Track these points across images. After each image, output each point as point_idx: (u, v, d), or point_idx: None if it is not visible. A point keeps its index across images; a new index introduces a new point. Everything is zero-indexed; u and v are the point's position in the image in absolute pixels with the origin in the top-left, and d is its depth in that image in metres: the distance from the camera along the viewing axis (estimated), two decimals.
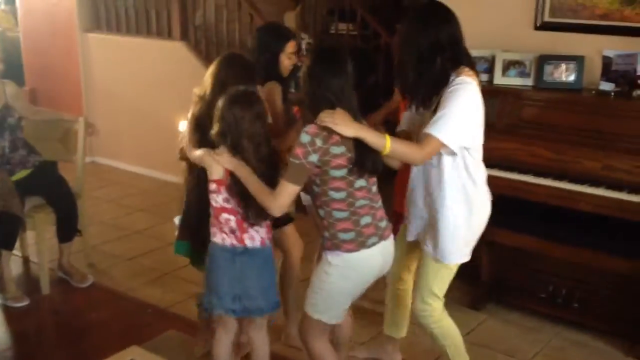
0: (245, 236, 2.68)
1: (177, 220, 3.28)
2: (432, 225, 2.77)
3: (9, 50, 6.30)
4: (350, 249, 2.53)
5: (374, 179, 2.60)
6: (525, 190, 3.57)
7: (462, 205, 2.69)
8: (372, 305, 3.71)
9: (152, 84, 6.18)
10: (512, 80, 3.95)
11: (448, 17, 2.63)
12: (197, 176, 2.95)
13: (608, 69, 3.77)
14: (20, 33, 7.21)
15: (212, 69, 2.98)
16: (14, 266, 4.10)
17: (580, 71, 3.83)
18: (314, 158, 2.43)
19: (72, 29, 6.60)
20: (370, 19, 6.32)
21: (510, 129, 3.77)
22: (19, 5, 7.16)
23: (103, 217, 5.31)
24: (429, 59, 2.58)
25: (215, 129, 2.65)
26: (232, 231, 2.68)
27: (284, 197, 2.47)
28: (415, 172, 2.82)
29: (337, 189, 2.49)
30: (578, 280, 3.70)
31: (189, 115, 3.04)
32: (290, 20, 6.85)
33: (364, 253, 2.55)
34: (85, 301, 4.03)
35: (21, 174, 3.98)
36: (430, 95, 2.65)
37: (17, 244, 4.06)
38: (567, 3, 3.92)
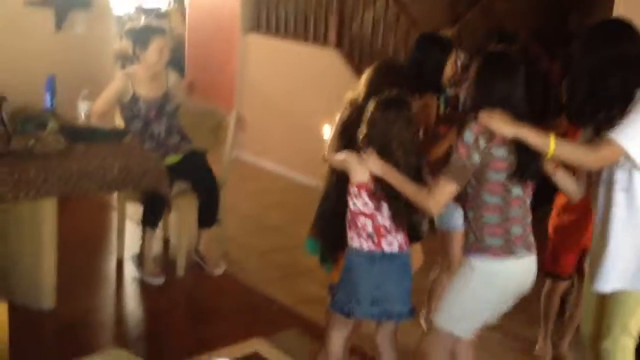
0: (383, 241, 2.66)
1: None
2: (617, 254, 2.50)
3: (174, 45, 6.68)
4: (498, 254, 2.45)
5: (530, 192, 2.50)
6: None
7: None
8: None
9: (303, 87, 6.32)
10: None
11: (631, 32, 2.47)
12: (337, 178, 2.97)
13: None
14: (186, 29, 7.63)
15: (367, 74, 2.99)
16: (155, 245, 4.30)
17: None
18: (476, 158, 2.38)
19: (234, 29, 6.90)
20: (532, 42, 6.14)
21: None
22: (188, 4, 7.62)
23: (240, 210, 5.46)
24: (612, 76, 2.42)
25: (363, 131, 2.65)
26: (370, 236, 2.66)
27: (443, 195, 2.44)
28: (599, 200, 2.54)
29: (492, 193, 2.43)
30: None
31: (337, 119, 3.06)
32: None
33: (511, 262, 2.46)
34: (216, 288, 4.17)
35: (173, 158, 4.17)
36: (613, 114, 2.44)
37: (160, 225, 4.28)
38: None
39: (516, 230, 2.46)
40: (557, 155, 2.36)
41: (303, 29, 6.41)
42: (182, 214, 4.21)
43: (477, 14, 6.87)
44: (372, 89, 2.86)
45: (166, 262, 4.38)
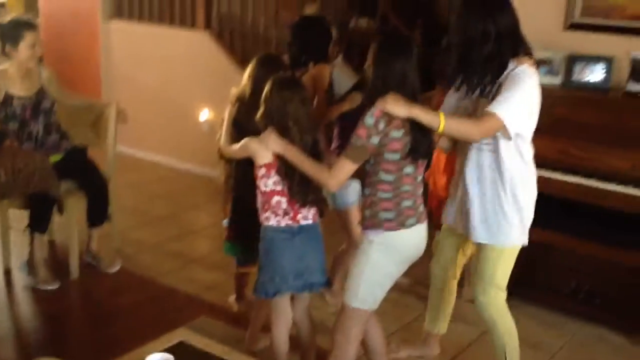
0: (299, 216, 2.77)
1: (225, 222, 3.38)
2: (486, 210, 2.82)
3: None
4: (391, 227, 2.62)
5: (421, 170, 2.68)
6: (554, 187, 3.63)
7: (520, 189, 2.78)
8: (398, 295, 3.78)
9: (174, 72, 6.22)
10: (542, 79, 3.96)
11: (505, 5, 2.72)
12: (243, 173, 3.01)
13: (636, 71, 3.83)
14: (40, 18, 7.23)
15: (250, 69, 3.09)
16: (44, 250, 4.14)
17: (608, 72, 3.89)
18: (375, 140, 2.52)
19: (94, 16, 6.64)
20: (392, 14, 6.37)
21: (539, 127, 3.81)
22: None
23: (124, 203, 5.33)
24: (486, 44, 2.66)
25: (260, 112, 2.73)
26: (286, 213, 2.75)
27: (342, 173, 2.58)
28: (469, 157, 2.83)
29: (387, 172, 2.58)
30: (601, 277, 3.77)
31: (226, 115, 3.11)
32: (309, 12, 6.89)
33: (403, 232, 2.64)
34: (115, 286, 4.09)
35: (54, 158, 4.01)
36: (487, 80, 2.72)
37: None
38: (598, 4, 3.97)
39: (407, 203, 2.64)
40: (446, 131, 2.56)
41: (169, 12, 6.28)
42: (70, 214, 4.06)
43: None
44: (257, 84, 2.96)
45: (58, 266, 4.21)
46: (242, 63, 5.64)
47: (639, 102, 3.72)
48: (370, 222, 2.66)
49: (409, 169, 2.61)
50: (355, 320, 2.74)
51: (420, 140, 2.56)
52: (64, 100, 4.24)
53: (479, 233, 2.86)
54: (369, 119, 2.52)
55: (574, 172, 3.63)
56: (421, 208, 2.72)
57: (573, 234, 3.63)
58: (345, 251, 3.74)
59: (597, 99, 3.83)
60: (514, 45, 2.71)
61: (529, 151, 2.82)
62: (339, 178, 2.59)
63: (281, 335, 2.94)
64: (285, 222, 2.77)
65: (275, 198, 2.75)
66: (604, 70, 3.89)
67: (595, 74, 3.91)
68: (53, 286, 3.95)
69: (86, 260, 4.25)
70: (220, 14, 6.06)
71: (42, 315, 3.78)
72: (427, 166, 2.89)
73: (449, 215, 3.03)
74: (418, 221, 2.69)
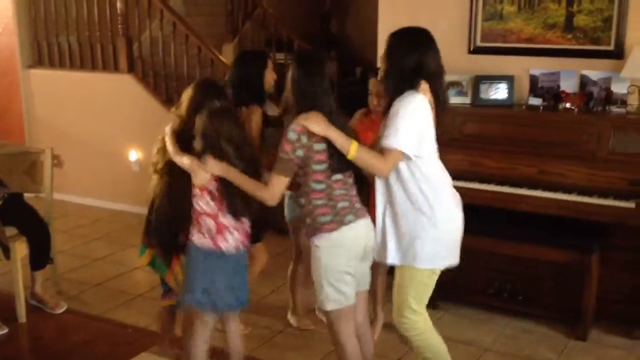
0: (220, 239, 2.97)
1: None
2: (398, 231, 2.91)
3: None
4: (331, 228, 2.83)
5: (350, 173, 2.90)
6: (472, 196, 3.95)
7: (427, 210, 2.85)
8: None
9: (100, 116, 6.32)
10: (452, 99, 4.37)
11: (430, 44, 2.89)
12: (168, 184, 3.19)
13: (535, 86, 4.28)
14: None
15: (187, 92, 3.22)
16: None
17: (511, 89, 4.32)
18: (300, 153, 2.77)
19: (14, 66, 6.68)
20: (304, 45, 6.71)
21: (453, 143, 4.19)
22: None
23: (62, 247, 5.39)
24: (411, 79, 2.84)
25: (197, 141, 2.93)
26: (210, 234, 2.98)
27: (276, 187, 2.82)
28: (376, 181, 2.98)
29: (318, 181, 2.83)
30: (520, 275, 4.14)
31: (168, 129, 3.22)
32: (228, 51, 7.16)
33: (343, 230, 2.84)
34: (64, 326, 4.15)
35: None
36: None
37: None
38: (496, 29, 4.41)
39: (342, 204, 2.85)
40: (356, 160, 2.79)
41: (90, 59, 6.39)
42: (14, 259, 4.12)
43: (253, 25, 7.32)
44: (195, 105, 3.12)
45: (2, 311, 4.22)
46: (167, 103, 5.83)
47: (539, 114, 4.16)
48: (312, 229, 2.88)
49: (338, 176, 2.84)
50: (340, 320, 2.93)
51: (339, 156, 2.79)
52: None
53: (390, 254, 2.95)
54: (291, 133, 2.77)
55: (488, 181, 4.00)
56: (358, 205, 2.92)
57: (492, 237, 3.97)
58: (294, 269, 3.97)
59: (503, 114, 4.24)
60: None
61: (436, 177, 2.91)
62: (274, 192, 2.83)
63: (198, 352, 3.12)
64: (206, 242, 2.98)
65: (204, 219, 2.97)
66: (507, 88, 4.31)
67: (499, 92, 4.33)
68: (1, 332, 3.99)
69: (31, 304, 4.30)
70: (142, 58, 6.23)
71: None
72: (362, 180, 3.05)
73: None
74: (357, 217, 2.88)
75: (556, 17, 4.22)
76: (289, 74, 2.89)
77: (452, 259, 2.99)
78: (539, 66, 4.27)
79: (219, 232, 2.96)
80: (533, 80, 4.29)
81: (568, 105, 4.08)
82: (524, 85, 4.33)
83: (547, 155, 3.95)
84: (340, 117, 2.90)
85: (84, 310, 4.33)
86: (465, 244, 3.90)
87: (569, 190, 3.80)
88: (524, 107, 4.27)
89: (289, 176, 2.82)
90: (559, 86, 4.20)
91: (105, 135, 6.33)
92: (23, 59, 6.66)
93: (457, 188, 3.86)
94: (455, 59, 4.51)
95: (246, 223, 3.06)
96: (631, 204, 3.63)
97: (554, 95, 4.19)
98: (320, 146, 2.78)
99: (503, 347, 3.84)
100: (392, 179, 2.89)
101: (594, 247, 3.73)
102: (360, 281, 3.00)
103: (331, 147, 2.78)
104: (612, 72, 4.06)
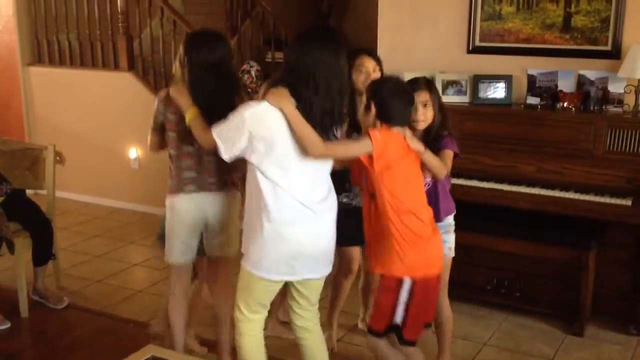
0: None
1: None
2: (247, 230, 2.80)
3: None
4: (172, 192, 3.15)
5: (201, 148, 3.00)
6: (471, 194, 4.05)
7: (256, 219, 2.69)
8: None
9: (100, 113, 6.35)
10: (451, 98, 4.44)
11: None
12: None
13: (533, 86, 4.34)
14: None
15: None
16: None
17: (509, 88, 4.37)
18: (159, 118, 3.12)
19: (14, 64, 6.70)
20: None
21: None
22: None
23: (63, 244, 5.42)
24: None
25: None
26: None
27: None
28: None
29: (172, 147, 3.13)
30: (518, 272, 4.20)
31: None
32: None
33: (180, 196, 3.12)
34: (66, 321, 4.19)
35: None
36: None
37: None
38: (495, 29, 4.47)
39: (188, 174, 3.10)
40: (189, 124, 2.95)
41: (90, 57, 6.43)
42: (18, 254, 4.16)
43: (252, 23, 7.35)
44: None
45: (5, 306, 4.26)
46: None
47: (537, 113, 4.21)
48: (169, 189, 3.18)
49: (187, 148, 3.07)
50: (172, 274, 3.33)
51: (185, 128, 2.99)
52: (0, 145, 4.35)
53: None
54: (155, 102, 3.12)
55: (487, 179, 4.05)
56: (206, 179, 3.10)
57: (491, 234, 4.03)
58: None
59: (501, 113, 4.29)
60: None
61: (273, 200, 2.64)
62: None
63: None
64: None
65: None
66: (505, 87, 4.37)
67: (497, 91, 4.38)
68: (4, 326, 4.03)
69: (33, 299, 4.34)
70: (142, 56, 6.27)
71: None
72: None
73: None
74: (201, 189, 3.10)
75: (554, 18, 4.28)
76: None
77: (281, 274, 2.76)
78: (537, 66, 4.32)
79: None
80: (531, 79, 4.34)
81: (566, 104, 4.14)
82: (522, 84, 4.38)
83: (545, 154, 4.01)
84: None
85: (86, 306, 4.37)
86: (464, 240, 3.99)
87: (566, 188, 3.86)
88: (522, 106, 4.33)
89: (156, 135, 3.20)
90: (556, 86, 4.26)
91: (104, 133, 6.36)
92: (23, 57, 6.68)
93: (457, 186, 3.98)
94: (454, 58, 4.58)
95: None
96: (628, 202, 3.70)
97: (551, 95, 4.25)
98: (173, 117, 3.05)
99: (501, 342, 3.90)
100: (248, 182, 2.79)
101: (591, 244, 3.79)
102: (195, 251, 3.24)
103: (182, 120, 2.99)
104: (609, 72, 4.12)
